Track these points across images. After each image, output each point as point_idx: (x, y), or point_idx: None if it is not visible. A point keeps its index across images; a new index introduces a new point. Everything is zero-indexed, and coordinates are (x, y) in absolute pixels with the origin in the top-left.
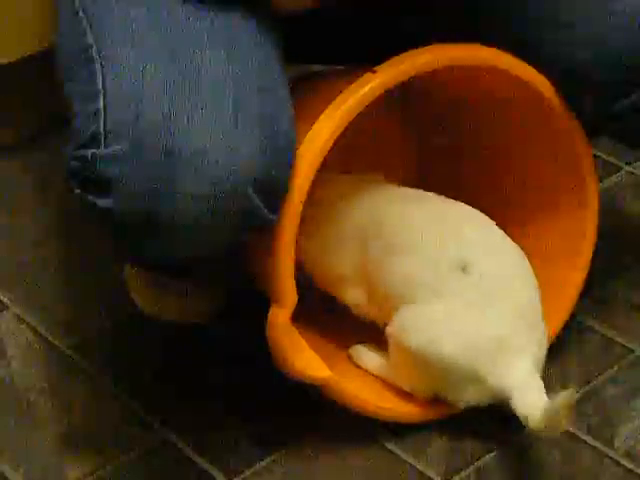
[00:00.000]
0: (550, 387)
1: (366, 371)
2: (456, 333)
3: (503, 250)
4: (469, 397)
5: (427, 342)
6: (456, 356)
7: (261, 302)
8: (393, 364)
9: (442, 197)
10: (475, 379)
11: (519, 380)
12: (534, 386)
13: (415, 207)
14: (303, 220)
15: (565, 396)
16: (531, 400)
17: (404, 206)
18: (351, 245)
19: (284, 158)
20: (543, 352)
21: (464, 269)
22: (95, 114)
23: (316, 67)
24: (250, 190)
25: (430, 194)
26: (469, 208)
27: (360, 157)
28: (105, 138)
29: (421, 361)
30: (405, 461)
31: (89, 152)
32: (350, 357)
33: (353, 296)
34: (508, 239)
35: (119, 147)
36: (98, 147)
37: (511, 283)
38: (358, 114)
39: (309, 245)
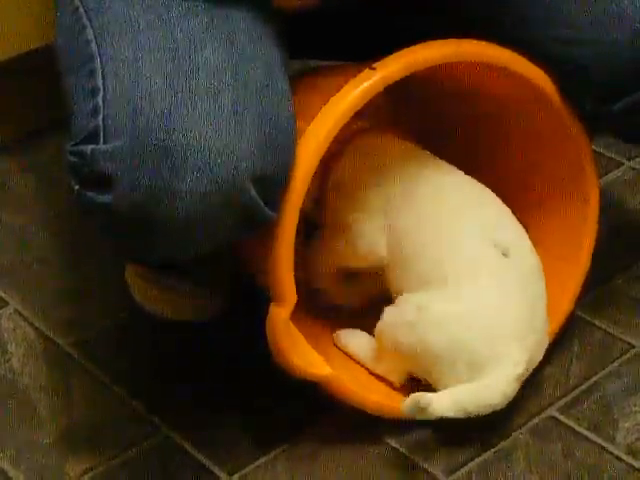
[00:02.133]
0: (553, 382)
1: (351, 356)
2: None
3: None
4: (453, 381)
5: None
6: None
7: (261, 300)
8: (381, 344)
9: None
10: (473, 367)
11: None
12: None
13: (449, 181)
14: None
15: None
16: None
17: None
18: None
19: (283, 154)
20: (540, 341)
21: (505, 252)
22: (94, 110)
23: (315, 63)
24: (249, 186)
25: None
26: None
27: None
28: (104, 134)
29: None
30: (407, 457)
31: (88, 148)
32: (336, 341)
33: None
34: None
35: (118, 143)
36: (97, 143)
37: (537, 271)
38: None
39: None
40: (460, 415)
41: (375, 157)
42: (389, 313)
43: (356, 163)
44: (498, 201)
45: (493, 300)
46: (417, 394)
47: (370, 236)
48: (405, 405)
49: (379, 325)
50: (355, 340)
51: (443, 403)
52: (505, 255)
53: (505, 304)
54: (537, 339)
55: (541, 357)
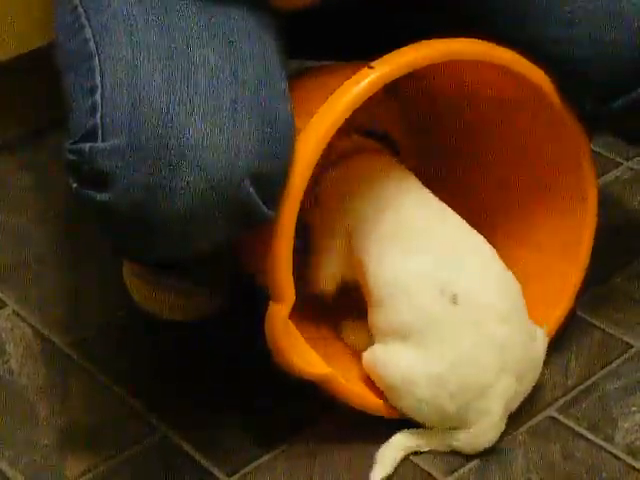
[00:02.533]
0: (551, 382)
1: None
2: (431, 376)
3: (496, 282)
4: (434, 423)
5: (401, 382)
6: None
7: (260, 299)
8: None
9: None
10: (447, 418)
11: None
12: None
13: (438, 221)
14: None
15: None
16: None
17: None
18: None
19: (282, 153)
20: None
21: (454, 299)
22: (93, 108)
23: (313, 62)
24: (248, 184)
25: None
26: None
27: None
28: (103, 132)
29: (394, 394)
30: (406, 458)
31: (87, 146)
32: (339, 334)
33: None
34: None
35: (117, 141)
36: (96, 141)
37: (497, 318)
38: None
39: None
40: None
41: (353, 181)
42: (367, 358)
43: (335, 184)
44: (462, 227)
45: (456, 357)
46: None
47: (328, 268)
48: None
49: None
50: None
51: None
52: (455, 302)
53: (467, 357)
54: (516, 374)
55: (530, 385)
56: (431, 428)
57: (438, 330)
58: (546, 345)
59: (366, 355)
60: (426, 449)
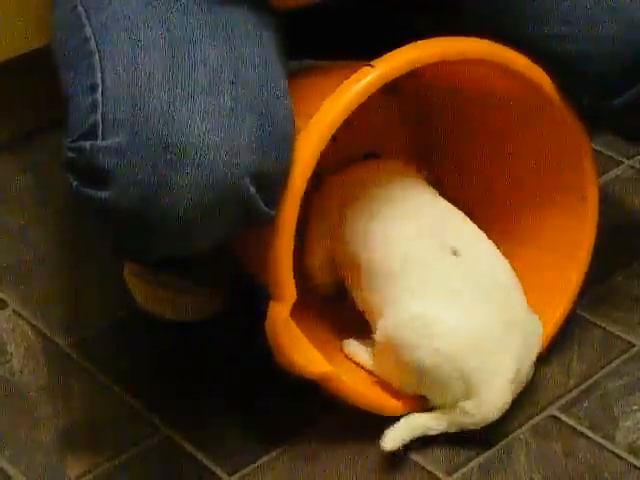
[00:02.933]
0: (553, 381)
1: (359, 365)
2: (443, 338)
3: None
4: (450, 398)
5: (421, 353)
6: (442, 364)
7: (261, 298)
8: (379, 363)
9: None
10: (461, 382)
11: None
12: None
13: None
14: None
15: None
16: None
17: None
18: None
19: (282, 151)
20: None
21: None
22: (93, 106)
23: (313, 62)
24: (247, 183)
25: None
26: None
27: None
28: (103, 130)
29: (408, 368)
30: (407, 457)
31: (87, 144)
32: (343, 350)
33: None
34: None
35: (117, 139)
36: (96, 139)
37: (498, 277)
38: (355, 108)
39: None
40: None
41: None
42: (381, 333)
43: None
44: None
45: (470, 307)
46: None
47: (319, 253)
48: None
49: (377, 340)
50: (363, 357)
51: (441, 425)
52: (455, 254)
53: (475, 313)
54: (520, 340)
55: (533, 356)
56: (437, 408)
57: (447, 283)
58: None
59: (379, 329)
60: (435, 431)
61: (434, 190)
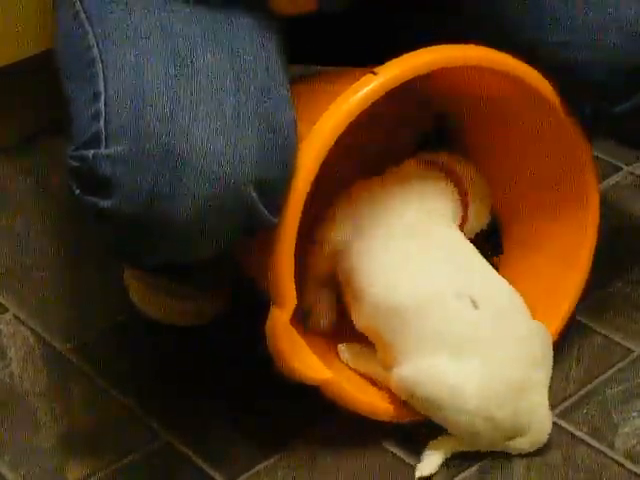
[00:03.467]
0: (551, 388)
1: (355, 371)
2: (476, 384)
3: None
4: (485, 443)
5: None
6: (479, 409)
7: (261, 303)
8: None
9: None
10: (494, 426)
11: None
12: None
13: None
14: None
15: None
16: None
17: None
18: None
19: (284, 158)
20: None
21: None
22: (96, 114)
23: (316, 68)
24: (251, 190)
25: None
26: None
27: (364, 158)
28: (106, 138)
29: (443, 412)
30: (406, 462)
31: (90, 152)
32: (341, 356)
33: None
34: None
35: (120, 147)
36: (99, 147)
37: (514, 317)
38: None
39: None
40: None
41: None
42: (399, 383)
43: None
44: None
45: (493, 359)
46: None
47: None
48: None
49: (395, 389)
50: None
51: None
52: (475, 305)
53: (502, 357)
54: (546, 368)
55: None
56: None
57: (470, 337)
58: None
59: (398, 376)
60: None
61: (449, 222)
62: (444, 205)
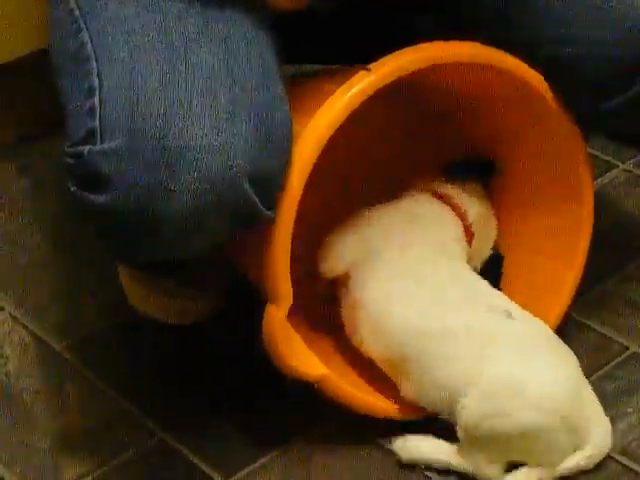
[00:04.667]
0: None
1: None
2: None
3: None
4: (557, 455)
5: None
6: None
7: (260, 303)
8: (467, 447)
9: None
10: (569, 435)
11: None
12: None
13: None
14: None
15: None
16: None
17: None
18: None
19: (279, 154)
20: None
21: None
22: (91, 110)
23: (310, 66)
24: (245, 186)
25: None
26: None
27: (360, 155)
28: (101, 134)
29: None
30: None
31: (85, 148)
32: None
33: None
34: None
35: (115, 143)
36: (94, 143)
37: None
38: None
39: None
40: None
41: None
42: (473, 406)
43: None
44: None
45: (544, 365)
46: None
47: (341, 248)
48: None
49: (466, 420)
50: (426, 446)
51: None
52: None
53: (552, 364)
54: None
55: None
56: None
57: (515, 343)
58: None
59: (470, 402)
60: None
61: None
62: (449, 239)
